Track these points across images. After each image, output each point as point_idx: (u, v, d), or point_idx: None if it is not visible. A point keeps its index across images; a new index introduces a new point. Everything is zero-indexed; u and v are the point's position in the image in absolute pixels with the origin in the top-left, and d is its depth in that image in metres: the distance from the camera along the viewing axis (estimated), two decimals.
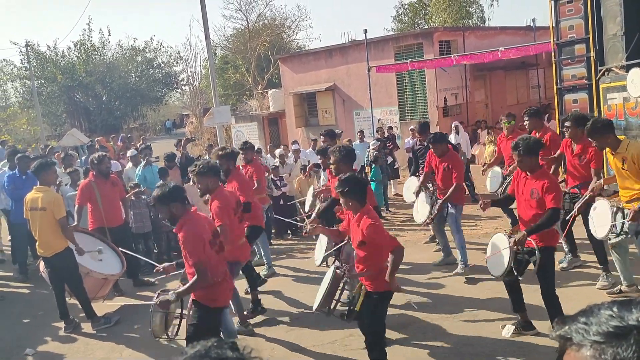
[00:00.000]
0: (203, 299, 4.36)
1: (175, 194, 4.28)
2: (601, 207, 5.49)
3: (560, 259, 6.88)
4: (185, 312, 4.73)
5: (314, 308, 4.82)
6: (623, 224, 5.31)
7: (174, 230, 4.46)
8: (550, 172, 6.62)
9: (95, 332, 6.43)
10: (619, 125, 8.26)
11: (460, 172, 7.00)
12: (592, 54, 8.92)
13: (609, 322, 0.93)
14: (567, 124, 6.22)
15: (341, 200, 4.45)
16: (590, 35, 8.91)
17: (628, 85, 7.84)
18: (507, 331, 5.21)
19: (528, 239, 4.73)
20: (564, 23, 9.45)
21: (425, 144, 8.29)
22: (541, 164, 5.33)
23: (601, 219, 5.46)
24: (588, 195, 5.80)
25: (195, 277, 4.21)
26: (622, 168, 5.25)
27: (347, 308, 4.73)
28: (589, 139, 5.48)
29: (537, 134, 7.28)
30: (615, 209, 5.40)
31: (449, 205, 7.01)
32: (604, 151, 5.68)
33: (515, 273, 4.83)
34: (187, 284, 4.30)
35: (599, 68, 8.83)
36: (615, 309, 0.96)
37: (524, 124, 7.40)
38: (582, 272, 6.52)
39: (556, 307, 4.60)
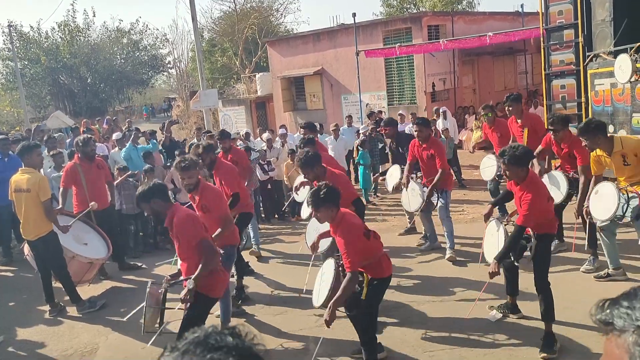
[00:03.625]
0: (203, 288, 4.36)
1: (154, 190, 4.35)
2: (604, 190, 5.41)
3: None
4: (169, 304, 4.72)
5: (318, 304, 4.54)
6: (626, 208, 5.29)
7: (165, 224, 4.49)
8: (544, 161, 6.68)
9: (80, 316, 6.38)
10: (606, 112, 8.30)
11: (443, 158, 6.97)
12: (581, 39, 8.91)
13: None
14: (552, 127, 6.25)
15: (319, 216, 4.32)
16: (579, 21, 8.90)
17: (616, 71, 7.84)
18: (493, 315, 5.25)
19: None
20: (553, 8, 9.42)
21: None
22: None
23: (603, 202, 5.37)
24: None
25: (204, 257, 4.25)
26: (625, 164, 5.24)
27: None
28: (581, 138, 5.40)
29: (518, 120, 7.32)
30: (619, 191, 5.31)
31: (439, 193, 7.01)
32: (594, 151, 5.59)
33: (512, 258, 4.85)
34: (200, 267, 4.26)
35: (587, 54, 8.82)
36: None
37: (506, 109, 7.41)
38: (566, 257, 6.57)
39: (547, 294, 4.61)
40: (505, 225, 4.90)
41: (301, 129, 8.51)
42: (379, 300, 4.56)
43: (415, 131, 7.20)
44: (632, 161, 5.20)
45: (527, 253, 4.83)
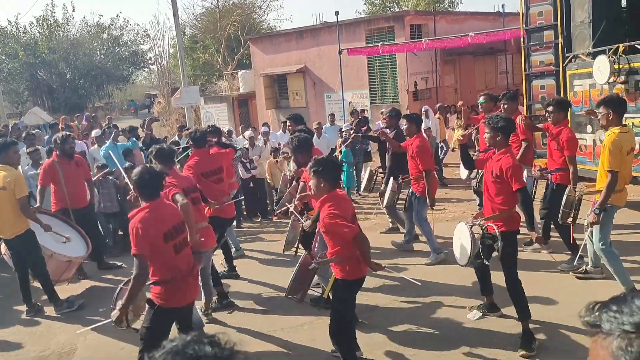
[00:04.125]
0: (155, 297, 4.07)
1: (143, 182, 4.09)
2: (565, 194, 5.75)
3: (526, 241, 7.01)
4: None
5: (285, 294, 4.67)
6: (575, 213, 5.58)
7: (129, 215, 4.20)
8: (519, 153, 6.76)
9: (58, 316, 6.29)
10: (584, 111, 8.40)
11: (424, 158, 6.80)
12: (560, 40, 9.02)
13: None
14: (550, 108, 6.29)
15: (311, 182, 4.26)
16: (559, 22, 9.00)
17: (594, 73, 7.95)
18: (473, 315, 5.30)
19: (490, 224, 4.76)
20: (533, 9, 9.51)
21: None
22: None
23: (562, 205, 5.76)
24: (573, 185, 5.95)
25: (134, 273, 3.95)
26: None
27: (319, 294, 4.68)
28: (600, 106, 5.27)
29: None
30: (567, 197, 5.65)
31: (412, 196, 7.01)
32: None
33: (482, 258, 4.88)
34: (130, 287, 4.00)
35: (566, 55, 8.93)
36: None
37: (501, 107, 7.41)
38: (546, 258, 6.64)
39: (519, 292, 4.66)
40: (471, 227, 4.91)
41: (288, 121, 8.03)
42: (347, 305, 4.31)
43: (405, 125, 7.21)
44: (600, 152, 5.26)
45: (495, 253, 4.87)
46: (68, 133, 7.93)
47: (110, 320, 4.22)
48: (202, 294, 5.72)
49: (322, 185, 4.14)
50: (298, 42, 19.55)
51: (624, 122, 5.38)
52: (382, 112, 13.10)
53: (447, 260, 6.75)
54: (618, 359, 0.87)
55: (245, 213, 10.38)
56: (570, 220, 5.75)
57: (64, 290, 6.82)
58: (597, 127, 8.11)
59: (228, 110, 22.46)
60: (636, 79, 7.52)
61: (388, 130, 7.11)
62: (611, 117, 5.14)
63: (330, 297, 4.54)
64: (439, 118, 13.84)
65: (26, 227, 6.21)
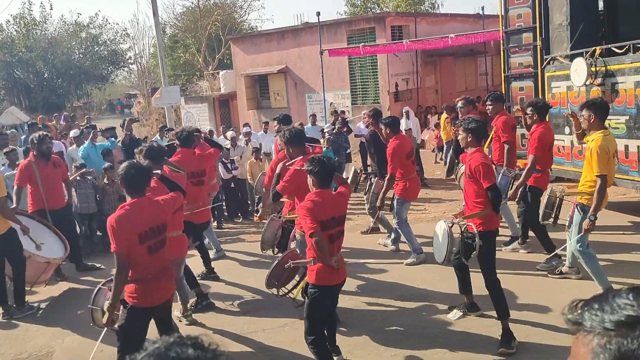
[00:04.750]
0: (128, 297, 4.09)
1: (130, 179, 4.06)
2: (544, 195, 5.80)
3: (505, 242, 7.09)
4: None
5: (265, 285, 4.90)
6: (556, 213, 5.67)
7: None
8: (504, 155, 6.86)
9: (37, 317, 6.19)
10: (563, 114, 8.53)
11: (394, 163, 6.73)
12: (539, 42, 9.14)
13: (623, 310, 0.89)
14: (529, 110, 6.39)
15: (308, 179, 4.31)
16: (537, 25, 9.12)
17: (572, 75, 8.07)
18: (454, 314, 5.33)
19: (469, 223, 4.82)
20: (512, 11, 9.63)
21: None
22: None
23: (543, 205, 5.78)
24: (520, 183, 6.17)
25: (115, 271, 4.00)
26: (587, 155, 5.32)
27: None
28: (584, 109, 5.23)
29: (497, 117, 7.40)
30: (549, 197, 5.72)
31: (395, 198, 7.04)
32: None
33: (463, 257, 4.93)
34: (113, 286, 4.06)
35: (545, 57, 9.06)
36: (631, 297, 0.92)
37: (486, 108, 7.41)
38: (525, 259, 6.71)
39: (497, 291, 4.71)
40: (451, 226, 4.97)
41: (275, 121, 7.75)
42: (317, 308, 4.27)
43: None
44: (586, 157, 5.31)
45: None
46: (45, 133, 7.81)
47: (105, 327, 4.19)
48: (178, 298, 5.66)
49: (312, 184, 4.24)
50: (279, 42, 19.52)
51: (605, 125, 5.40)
52: (364, 113, 13.14)
53: (428, 260, 6.78)
54: (597, 356, 0.88)
55: (226, 214, 10.33)
56: (551, 220, 5.80)
57: (42, 292, 6.71)
58: (574, 128, 8.23)
59: (209, 111, 22.33)
60: (612, 82, 7.64)
61: (362, 124, 7.17)
62: (593, 120, 5.12)
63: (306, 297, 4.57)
64: (446, 119, 13.94)
65: (7, 227, 6.11)
